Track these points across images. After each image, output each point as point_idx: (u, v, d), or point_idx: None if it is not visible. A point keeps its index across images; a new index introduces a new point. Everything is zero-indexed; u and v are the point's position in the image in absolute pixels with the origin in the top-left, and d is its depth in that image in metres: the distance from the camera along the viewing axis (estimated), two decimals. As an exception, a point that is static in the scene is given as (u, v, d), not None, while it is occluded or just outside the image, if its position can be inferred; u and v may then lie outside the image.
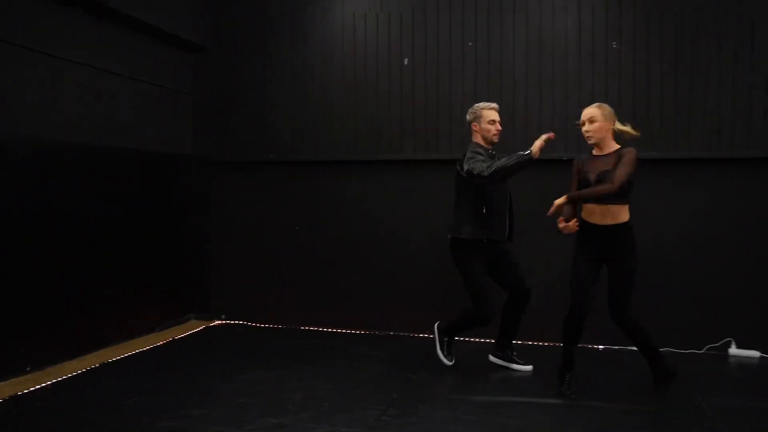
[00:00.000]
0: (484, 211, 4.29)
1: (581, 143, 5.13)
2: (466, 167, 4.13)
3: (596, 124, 3.87)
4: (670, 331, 5.09)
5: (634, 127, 4.01)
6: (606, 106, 3.97)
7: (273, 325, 5.90)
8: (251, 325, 5.93)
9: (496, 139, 4.41)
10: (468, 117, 4.47)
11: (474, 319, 4.40)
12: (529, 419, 3.61)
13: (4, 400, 3.84)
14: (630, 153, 3.80)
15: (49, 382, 4.18)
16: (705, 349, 5.10)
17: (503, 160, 4.06)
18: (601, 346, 5.21)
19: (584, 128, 3.92)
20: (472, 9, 5.44)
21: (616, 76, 5.22)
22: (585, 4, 5.24)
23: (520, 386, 4.23)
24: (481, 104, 4.44)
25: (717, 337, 5.11)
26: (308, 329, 5.79)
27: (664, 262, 5.15)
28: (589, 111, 3.91)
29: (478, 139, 4.41)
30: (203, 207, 6.12)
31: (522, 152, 4.06)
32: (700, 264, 5.14)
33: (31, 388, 4.06)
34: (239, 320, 6.02)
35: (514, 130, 5.31)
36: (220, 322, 6.04)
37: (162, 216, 5.72)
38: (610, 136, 3.94)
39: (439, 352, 4.55)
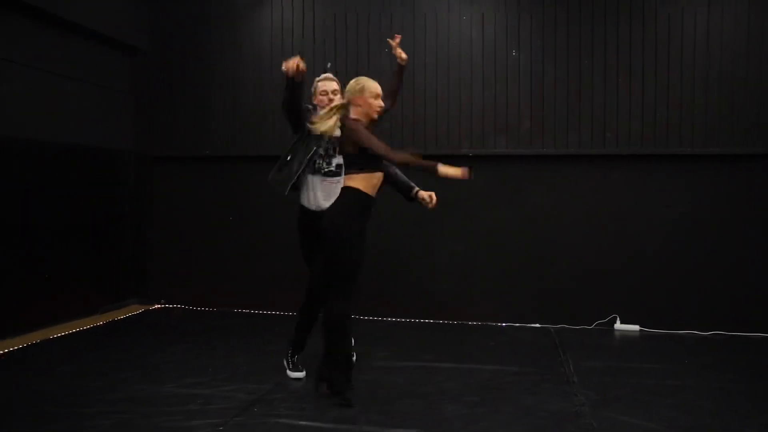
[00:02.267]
0: None
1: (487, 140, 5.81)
2: None
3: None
4: (563, 309, 5.79)
5: None
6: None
7: (208, 308, 6.38)
8: (188, 309, 6.40)
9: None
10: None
11: None
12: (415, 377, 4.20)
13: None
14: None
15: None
16: (594, 324, 5.76)
17: None
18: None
19: (379, 102, 3.79)
20: (388, 20, 6.02)
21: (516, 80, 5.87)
22: (488, 19, 5.88)
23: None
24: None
25: (605, 314, 5.77)
26: (240, 311, 6.28)
27: (564, 246, 5.82)
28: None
29: None
30: (144, 199, 6.58)
31: None
32: (591, 248, 5.80)
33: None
34: (177, 304, 6.49)
35: (425, 128, 5.93)
36: (158, 306, 6.50)
37: (105, 206, 6.20)
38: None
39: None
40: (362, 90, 3.75)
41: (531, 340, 5.34)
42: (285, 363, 4.29)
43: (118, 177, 6.40)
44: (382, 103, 3.78)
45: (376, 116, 3.78)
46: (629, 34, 5.68)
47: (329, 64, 6.11)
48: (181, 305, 6.48)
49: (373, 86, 3.76)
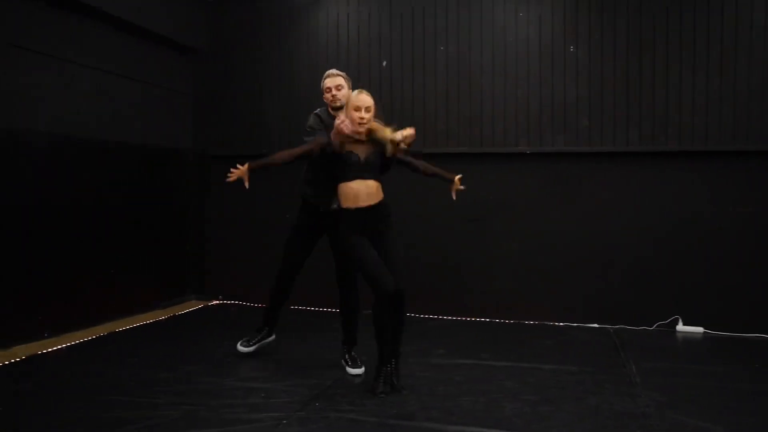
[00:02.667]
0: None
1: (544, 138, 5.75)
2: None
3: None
4: (623, 309, 5.68)
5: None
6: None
7: (265, 305, 6.47)
8: (245, 305, 6.52)
9: (333, 105, 4.33)
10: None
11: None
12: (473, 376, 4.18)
13: (25, 358, 4.48)
14: None
15: (63, 345, 4.82)
16: (655, 326, 5.63)
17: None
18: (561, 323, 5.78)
19: (360, 114, 3.83)
20: (444, 15, 6.00)
21: (573, 76, 5.78)
22: (545, 15, 5.81)
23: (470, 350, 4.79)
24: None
25: (666, 315, 5.63)
26: (297, 308, 6.34)
27: (622, 245, 5.71)
28: (369, 100, 3.89)
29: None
30: (202, 197, 6.74)
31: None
32: (651, 247, 5.67)
33: (49, 349, 4.71)
34: (235, 300, 6.61)
35: (482, 126, 5.90)
36: (217, 302, 6.64)
37: (167, 204, 6.37)
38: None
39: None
40: (348, 102, 3.90)
41: (589, 340, 5.25)
42: (343, 361, 4.35)
43: (179, 176, 6.57)
44: (363, 115, 3.79)
45: (360, 129, 3.81)
46: (693, 25, 5.52)
47: (384, 63, 6.14)
48: (239, 301, 6.60)
49: (356, 99, 3.84)
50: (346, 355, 4.37)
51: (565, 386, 3.99)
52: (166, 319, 5.90)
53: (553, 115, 5.83)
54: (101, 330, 5.27)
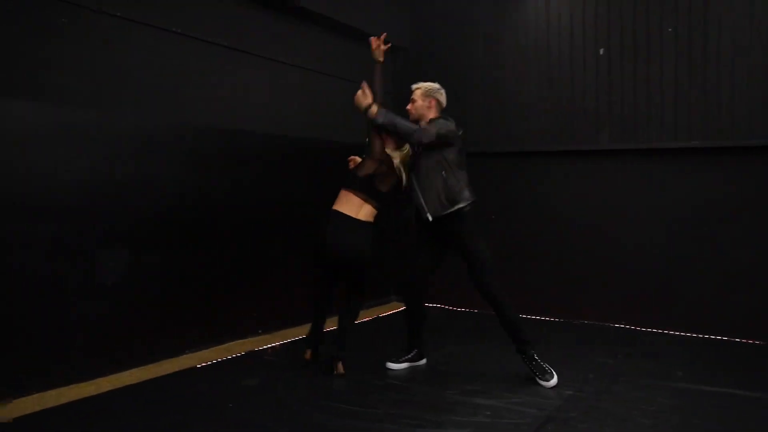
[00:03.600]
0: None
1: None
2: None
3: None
4: None
5: None
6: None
7: (468, 309, 6.20)
8: (448, 309, 6.29)
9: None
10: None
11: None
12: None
13: (245, 354, 4.59)
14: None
15: (277, 343, 4.89)
16: None
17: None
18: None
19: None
20: (672, 5, 5.31)
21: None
22: None
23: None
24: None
25: None
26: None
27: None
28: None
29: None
30: (405, 199, 6.59)
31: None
32: None
33: (263, 347, 4.80)
34: (438, 304, 6.40)
35: (720, 117, 5.13)
36: (418, 304, 6.47)
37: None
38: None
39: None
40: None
41: None
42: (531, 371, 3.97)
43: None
44: None
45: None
46: None
47: (602, 50, 5.59)
48: (441, 305, 6.39)
49: None
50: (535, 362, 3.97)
51: None
52: (369, 320, 5.82)
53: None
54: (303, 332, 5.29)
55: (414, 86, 4.23)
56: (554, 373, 3.92)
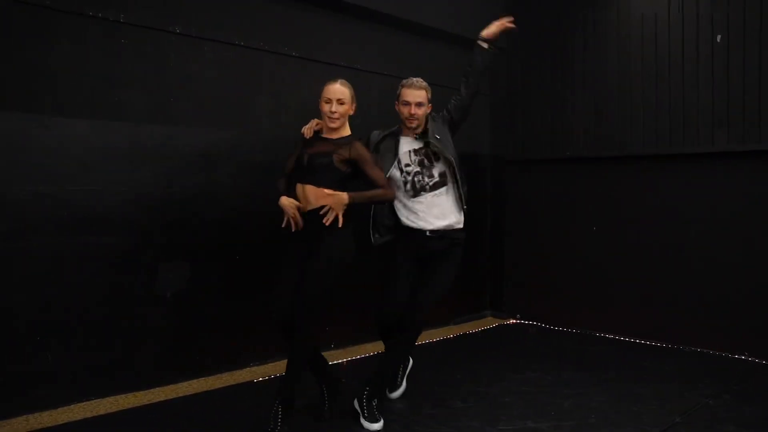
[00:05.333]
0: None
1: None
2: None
3: (344, 106, 3.42)
4: None
5: None
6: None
7: (567, 328, 5.70)
8: (544, 327, 5.82)
9: (408, 124, 3.70)
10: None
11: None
12: None
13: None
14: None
15: (346, 359, 4.75)
16: None
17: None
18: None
19: (332, 108, 3.37)
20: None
21: None
22: None
23: None
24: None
25: None
26: (604, 336, 5.44)
27: None
28: (341, 89, 3.41)
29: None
30: (499, 206, 6.22)
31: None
32: None
33: (334, 362, 4.61)
34: (534, 321, 5.96)
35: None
36: (514, 321, 6.06)
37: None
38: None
39: None
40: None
41: None
42: None
43: (479, 183, 6.15)
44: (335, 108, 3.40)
45: (332, 125, 3.44)
46: None
47: (719, 37, 4.87)
48: (538, 322, 5.94)
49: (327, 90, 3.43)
50: None
51: None
52: (454, 337, 5.50)
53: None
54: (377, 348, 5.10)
55: (416, 81, 3.71)
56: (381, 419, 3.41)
